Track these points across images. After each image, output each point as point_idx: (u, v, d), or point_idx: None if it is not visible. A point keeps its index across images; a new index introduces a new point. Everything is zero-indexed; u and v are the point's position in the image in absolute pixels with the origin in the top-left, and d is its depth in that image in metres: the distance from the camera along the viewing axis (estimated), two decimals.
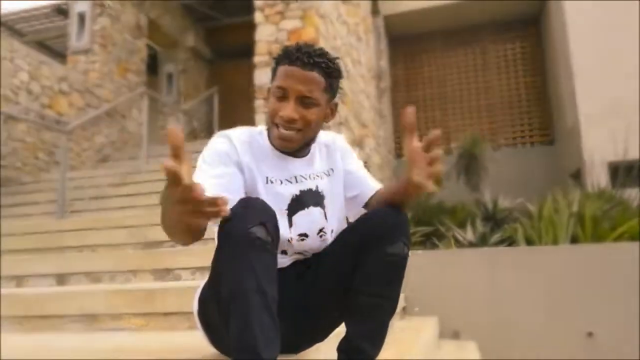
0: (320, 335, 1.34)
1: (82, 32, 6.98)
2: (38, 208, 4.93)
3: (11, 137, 5.68)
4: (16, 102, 5.80)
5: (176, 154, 0.82)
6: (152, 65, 8.44)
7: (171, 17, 8.41)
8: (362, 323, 1.19)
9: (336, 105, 1.31)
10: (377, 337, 1.21)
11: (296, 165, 1.30)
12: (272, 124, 1.24)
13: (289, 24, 4.16)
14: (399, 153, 8.61)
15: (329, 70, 1.22)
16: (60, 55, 8.26)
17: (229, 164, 1.21)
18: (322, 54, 1.22)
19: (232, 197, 1.06)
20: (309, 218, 1.28)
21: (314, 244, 1.29)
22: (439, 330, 3.45)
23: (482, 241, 4.32)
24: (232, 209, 1.03)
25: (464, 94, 8.66)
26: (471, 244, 4.27)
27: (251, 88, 4.48)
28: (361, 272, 1.18)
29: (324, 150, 1.38)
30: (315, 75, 1.19)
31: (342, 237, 1.29)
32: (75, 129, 5.59)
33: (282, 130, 1.21)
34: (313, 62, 1.19)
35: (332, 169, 1.37)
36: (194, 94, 8.56)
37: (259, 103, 4.37)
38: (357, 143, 5.35)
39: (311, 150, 1.33)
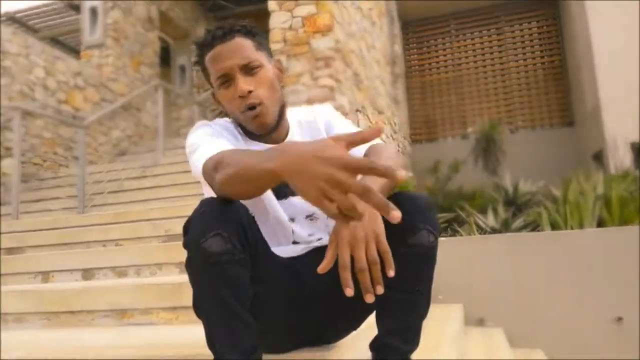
0: (353, 323, 1.27)
1: (94, 26, 6.98)
2: (58, 203, 4.97)
3: (29, 133, 5.72)
4: (33, 98, 5.84)
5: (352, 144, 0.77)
6: (165, 58, 8.43)
7: (182, 9, 8.38)
8: (392, 319, 1.12)
9: (279, 61, 1.24)
10: (410, 334, 1.13)
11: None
12: (236, 114, 1.16)
13: (303, 10, 4.10)
14: (414, 139, 8.52)
15: (248, 29, 1.16)
16: (74, 50, 8.29)
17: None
18: (232, 22, 1.16)
19: None
20: (290, 206, 1.19)
21: (305, 229, 1.21)
22: (464, 317, 3.42)
23: (504, 227, 4.27)
24: (192, 213, 0.98)
25: (480, 76, 8.52)
26: (493, 230, 4.21)
27: None
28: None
29: (305, 128, 1.27)
30: (239, 40, 1.14)
31: None
32: (91, 123, 5.62)
33: (250, 112, 1.13)
34: (228, 29, 1.13)
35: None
36: (207, 85, 8.52)
37: None
38: None
39: (289, 133, 1.24)
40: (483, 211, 4.72)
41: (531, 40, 8.33)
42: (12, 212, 4.20)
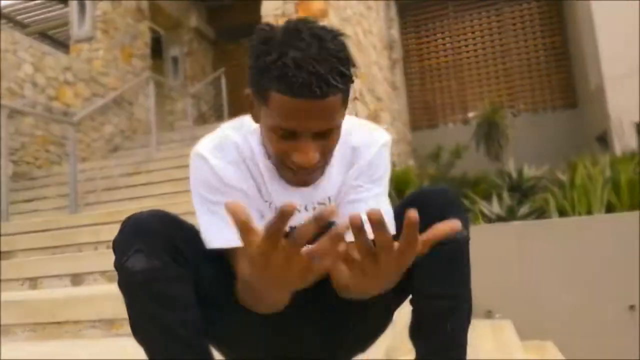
0: (361, 343, 1.11)
1: (83, 19, 6.79)
2: (50, 203, 4.84)
3: (19, 131, 5.57)
4: (22, 95, 5.68)
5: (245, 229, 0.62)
6: (157, 49, 8.25)
7: None
8: (430, 336, 0.97)
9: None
10: (454, 350, 0.98)
11: (292, 192, 0.97)
12: (280, 166, 0.92)
13: None
14: (414, 126, 8.37)
15: (346, 79, 0.83)
16: (63, 45, 8.10)
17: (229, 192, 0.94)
18: (332, 68, 0.80)
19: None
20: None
21: None
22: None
23: (510, 214, 4.14)
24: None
25: (479, 60, 8.34)
26: (499, 218, 4.09)
27: None
28: (415, 270, 0.88)
29: (347, 158, 1.01)
30: (332, 99, 0.81)
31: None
32: (83, 119, 5.47)
33: (300, 175, 0.92)
34: (326, 84, 0.79)
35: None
36: (200, 77, 8.38)
37: None
38: (373, 118, 5.15)
39: (324, 174, 1.00)
40: (487, 198, 4.59)
41: (531, 21, 8.13)
42: (2, 213, 4.07)
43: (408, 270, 0.80)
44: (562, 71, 7.92)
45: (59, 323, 2.07)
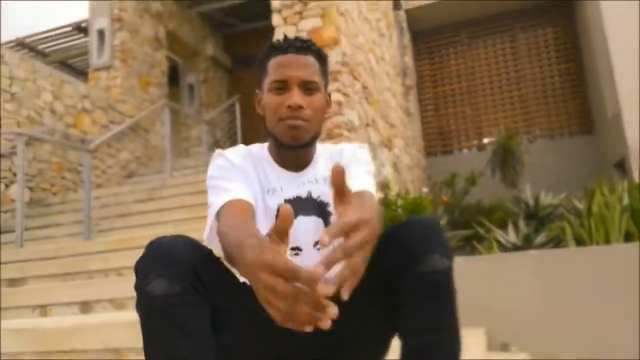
0: None
1: (102, 48, 6.96)
2: (64, 229, 4.87)
3: (37, 158, 5.67)
4: (41, 123, 5.80)
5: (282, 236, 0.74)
6: (174, 77, 8.40)
7: (189, 27, 8.35)
8: None
9: (330, 95, 1.25)
10: None
11: (286, 176, 1.19)
12: (276, 120, 1.14)
13: (308, 24, 3.98)
14: (428, 152, 8.33)
15: (321, 53, 1.18)
16: (83, 73, 8.30)
17: (240, 179, 1.14)
18: (310, 41, 1.18)
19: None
20: (296, 229, 1.05)
21: (313, 259, 1.06)
22: (487, 341, 3.21)
23: (526, 243, 4.05)
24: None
25: (494, 85, 8.31)
26: (515, 247, 4.01)
27: None
28: (400, 306, 0.94)
29: (335, 157, 1.22)
30: (310, 58, 1.15)
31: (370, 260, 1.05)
32: (99, 146, 5.55)
33: (290, 121, 1.11)
34: (306, 45, 1.15)
35: None
36: (215, 104, 8.48)
37: None
38: (386, 144, 5.13)
39: (312, 162, 1.22)
40: (503, 226, 4.51)
41: (546, 47, 8.10)
42: (17, 240, 4.10)
43: (396, 306, 0.90)
44: (578, 97, 7.84)
45: (65, 352, 2.05)
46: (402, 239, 0.96)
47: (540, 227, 4.56)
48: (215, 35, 9.01)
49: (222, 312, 0.96)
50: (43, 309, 2.72)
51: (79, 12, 7.57)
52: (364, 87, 4.53)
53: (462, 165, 6.98)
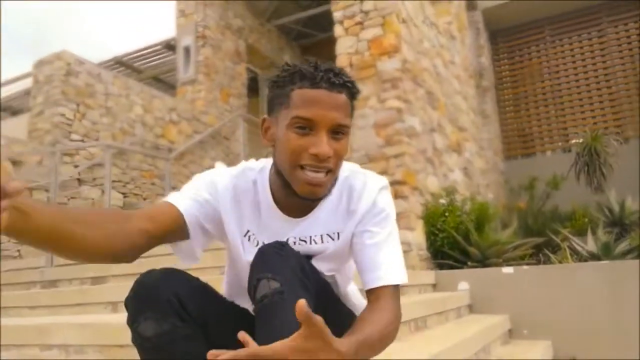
0: None
1: (188, 64, 7.47)
2: None
3: (130, 166, 6.23)
4: (133, 134, 6.37)
5: None
6: (254, 88, 8.79)
7: (267, 39, 8.70)
8: None
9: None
10: None
11: (283, 224, 1.08)
12: (293, 166, 0.98)
13: (369, 33, 4.03)
14: (507, 155, 7.99)
15: (353, 89, 1.01)
16: (173, 87, 8.95)
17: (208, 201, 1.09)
18: (341, 71, 1.00)
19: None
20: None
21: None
22: (553, 355, 3.07)
23: (605, 251, 3.79)
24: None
25: (581, 84, 7.80)
26: (592, 256, 3.76)
27: None
28: None
29: (344, 199, 1.08)
30: (343, 97, 0.98)
31: None
32: (184, 153, 5.95)
33: (312, 174, 0.97)
34: (342, 81, 0.97)
35: (338, 234, 1.07)
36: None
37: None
38: (454, 148, 5.03)
39: (316, 207, 1.08)
40: (583, 234, 4.25)
41: (638, 41, 7.47)
42: None
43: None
44: None
45: (121, 346, 2.23)
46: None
47: (625, 234, 4.24)
48: (292, 46, 9.30)
49: (214, 333, 0.98)
50: (114, 306, 3.00)
51: (168, 31, 8.17)
52: (429, 93, 4.49)
53: (545, 168, 6.63)
